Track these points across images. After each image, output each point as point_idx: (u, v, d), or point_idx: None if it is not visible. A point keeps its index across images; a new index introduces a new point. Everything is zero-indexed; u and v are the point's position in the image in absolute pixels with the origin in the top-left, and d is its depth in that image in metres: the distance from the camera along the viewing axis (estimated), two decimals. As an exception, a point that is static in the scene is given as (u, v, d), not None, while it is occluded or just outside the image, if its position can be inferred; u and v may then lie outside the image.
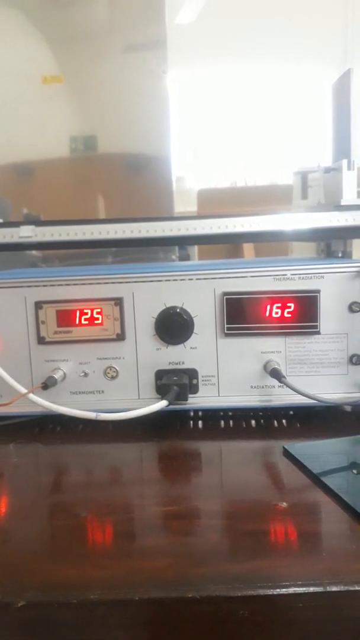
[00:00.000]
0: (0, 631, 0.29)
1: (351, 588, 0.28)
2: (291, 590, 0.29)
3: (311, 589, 0.29)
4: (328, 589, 0.29)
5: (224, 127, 3.70)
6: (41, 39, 1.64)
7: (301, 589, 0.29)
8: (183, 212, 1.86)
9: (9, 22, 1.66)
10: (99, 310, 0.54)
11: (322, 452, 0.46)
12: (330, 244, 0.75)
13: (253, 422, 0.55)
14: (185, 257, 1.46)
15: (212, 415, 0.56)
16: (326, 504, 0.38)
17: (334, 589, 0.29)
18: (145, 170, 1.63)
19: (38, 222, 0.65)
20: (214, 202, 1.75)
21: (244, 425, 0.54)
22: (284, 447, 0.47)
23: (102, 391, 0.55)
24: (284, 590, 0.29)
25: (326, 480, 0.40)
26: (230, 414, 0.57)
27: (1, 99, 1.59)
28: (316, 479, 0.41)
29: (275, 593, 0.29)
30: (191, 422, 0.55)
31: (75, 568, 0.32)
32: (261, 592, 0.29)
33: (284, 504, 0.38)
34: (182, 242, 0.97)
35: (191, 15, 2.59)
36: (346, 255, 0.72)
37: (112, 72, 1.60)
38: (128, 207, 1.64)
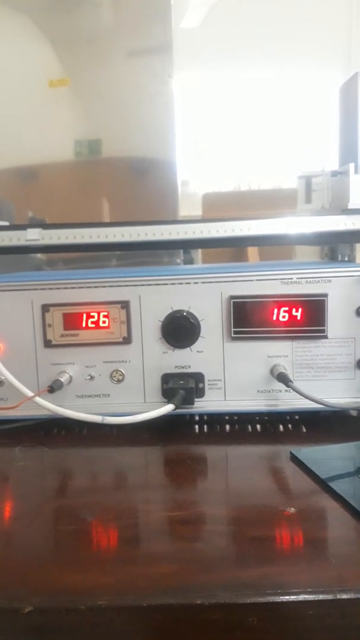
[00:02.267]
0: (8, 637, 0.28)
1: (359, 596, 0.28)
2: (301, 597, 0.28)
3: (321, 597, 0.29)
4: (338, 596, 0.29)
5: (229, 131, 3.70)
6: (47, 42, 1.65)
7: (311, 596, 0.28)
8: (188, 216, 1.87)
9: (16, 26, 1.67)
10: (105, 313, 0.54)
11: (329, 457, 0.46)
12: (335, 248, 0.75)
13: (259, 426, 0.54)
14: (189, 261, 1.45)
15: (218, 420, 0.56)
16: (334, 510, 0.37)
17: (344, 596, 0.28)
18: (150, 174, 1.63)
19: (45, 225, 0.65)
20: (219, 206, 1.75)
21: (251, 430, 0.54)
22: (290, 452, 0.46)
23: (108, 395, 0.55)
24: (293, 598, 0.28)
25: (334, 485, 0.40)
26: (236, 418, 0.56)
27: (7, 101, 1.59)
28: (324, 484, 0.41)
29: (284, 600, 0.28)
30: (197, 426, 0.55)
31: (81, 573, 0.31)
32: (270, 599, 0.28)
33: (292, 510, 0.37)
34: (187, 246, 0.97)
35: (196, 19, 2.59)
36: (351, 260, 0.72)
37: (117, 75, 1.60)
38: (133, 210, 1.64)
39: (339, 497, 0.38)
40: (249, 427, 0.54)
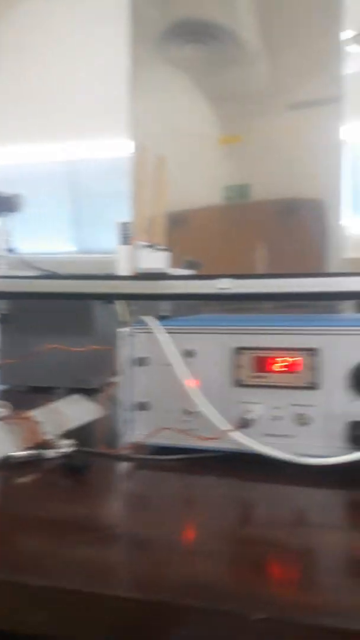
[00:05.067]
0: None
1: None
2: None
3: None
4: None
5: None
6: (207, 100, 1.76)
7: None
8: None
9: (174, 83, 1.81)
10: (295, 359, 0.58)
11: None
12: None
13: None
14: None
15: None
16: None
17: None
18: (302, 217, 1.65)
19: (235, 276, 0.71)
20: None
21: None
22: None
23: (293, 436, 0.58)
24: None
25: None
26: None
27: (178, 159, 1.74)
28: None
29: None
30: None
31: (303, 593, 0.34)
32: None
33: None
34: None
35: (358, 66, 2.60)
36: None
37: (279, 129, 1.66)
38: (284, 253, 1.66)
39: None
40: None
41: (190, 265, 1.88)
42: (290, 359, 0.58)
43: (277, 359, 0.59)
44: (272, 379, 0.59)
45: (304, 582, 0.37)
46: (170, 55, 1.79)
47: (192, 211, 1.72)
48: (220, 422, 0.57)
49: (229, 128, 1.72)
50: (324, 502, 0.52)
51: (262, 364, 0.59)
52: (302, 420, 0.58)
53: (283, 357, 0.58)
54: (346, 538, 0.44)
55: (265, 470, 0.57)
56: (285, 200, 1.67)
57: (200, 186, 1.73)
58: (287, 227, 1.68)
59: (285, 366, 0.58)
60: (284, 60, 1.68)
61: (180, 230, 1.78)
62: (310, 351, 0.57)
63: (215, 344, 0.61)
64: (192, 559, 0.40)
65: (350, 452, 0.53)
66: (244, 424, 0.58)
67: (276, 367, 0.59)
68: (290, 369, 0.58)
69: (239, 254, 1.74)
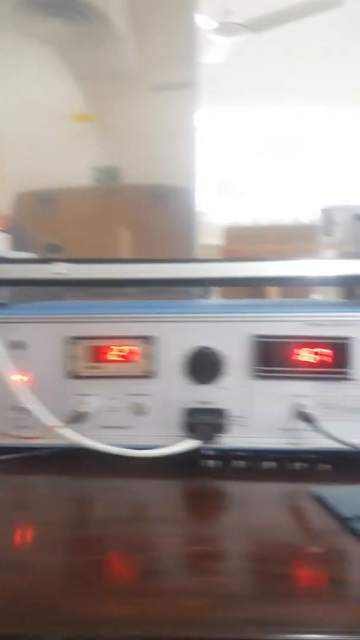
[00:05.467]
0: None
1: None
2: (326, 636, 0.29)
3: (343, 637, 0.29)
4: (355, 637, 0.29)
5: (249, 165, 3.77)
6: (71, 76, 1.69)
7: (335, 636, 0.29)
8: (206, 245, 1.88)
9: (41, 59, 1.72)
10: (130, 347, 0.55)
11: (352, 496, 0.46)
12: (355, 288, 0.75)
13: (283, 464, 0.55)
14: (209, 292, 1.47)
15: (240, 456, 0.56)
16: (357, 552, 0.37)
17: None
18: (168, 204, 1.66)
19: (72, 260, 0.66)
20: (240, 239, 1.77)
21: (273, 468, 0.54)
22: (313, 491, 0.47)
23: (130, 427, 0.56)
24: (318, 636, 0.29)
25: (358, 525, 0.40)
26: (259, 455, 0.57)
27: (29, 131, 1.64)
28: (346, 524, 0.41)
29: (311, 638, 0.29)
30: (218, 462, 0.55)
31: (107, 604, 0.32)
32: (294, 637, 0.29)
33: (315, 549, 0.38)
34: (209, 284, 0.99)
35: (220, 56, 2.67)
36: None
37: (140, 110, 1.65)
38: (151, 238, 1.67)
39: (361, 543, 0.39)
40: (272, 464, 0.54)
41: (50, 248, 1.80)
42: (126, 348, 0.55)
43: (113, 348, 0.56)
44: (107, 369, 0.56)
45: (130, 590, 0.34)
46: (30, 28, 1.69)
47: (61, 191, 1.66)
48: (47, 418, 0.53)
49: (94, 107, 1.67)
50: (159, 495, 0.50)
51: (97, 354, 0.56)
52: (139, 411, 0.56)
53: (118, 346, 0.55)
54: (182, 533, 0.42)
55: (101, 465, 0.54)
56: (154, 185, 1.66)
57: (70, 166, 1.67)
58: (155, 212, 1.68)
59: (121, 355, 0.55)
60: (149, 44, 1.66)
61: (50, 210, 1.70)
62: (146, 339, 0.55)
63: (48, 334, 0.56)
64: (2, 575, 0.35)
65: (185, 441, 0.52)
66: (76, 418, 0.54)
67: (111, 356, 0.56)
68: (126, 358, 0.55)
69: (106, 237, 1.71)
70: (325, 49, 3.46)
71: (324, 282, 0.67)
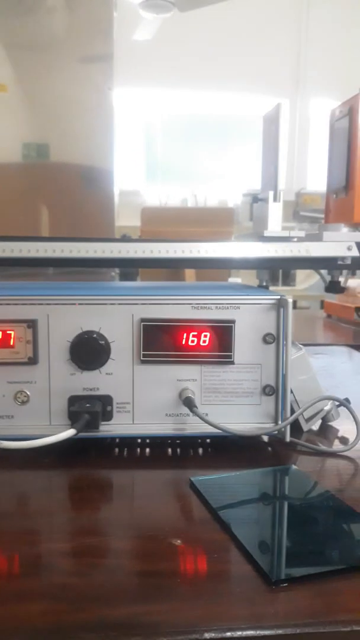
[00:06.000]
0: None
1: (224, 635, 0.28)
2: (164, 639, 0.28)
3: (187, 637, 0.28)
4: (205, 635, 0.28)
5: (179, 147, 3.75)
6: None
7: (176, 637, 0.28)
8: (127, 227, 1.86)
9: None
10: (10, 332, 0.52)
11: (228, 484, 0.46)
12: (274, 271, 0.76)
13: (169, 450, 0.54)
14: (126, 274, 1.45)
15: (128, 443, 0.55)
16: (220, 542, 0.37)
17: (208, 635, 0.28)
18: (92, 183, 1.62)
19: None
20: (157, 220, 1.75)
21: (159, 454, 0.53)
22: (190, 479, 0.46)
23: (12, 416, 0.53)
24: (157, 639, 0.28)
25: (224, 515, 0.40)
26: (147, 441, 0.56)
27: None
28: (216, 514, 0.40)
29: (147, 642, 0.28)
30: (106, 449, 0.54)
31: None
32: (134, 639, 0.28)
33: (178, 542, 0.37)
34: (125, 265, 0.97)
35: (148, 33, 2.61)
36: (288, 284, 0.73)
37: (62, 83, 1.59)
38: (74, 217, 1.63)
39: (226, 528, 0.38)
40: (158, 451, 0.54)
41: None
42: (6, 332, 0.52)
43: (-7, 333, 0.52)
44: (-13, 355, 0.53)
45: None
46: None
47: None
48: None
49: (19, 77, 1.59)
50: (41, 487, 0.48)
51: (-25, 339, 0.52)
52: (21, 399, 0.53)
53: (-1, 330, 0.52)
54: (45, 530, 0.40)
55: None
56: (83, 165, 1.62)
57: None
58: (80, 192, 1.63)
59: (1, 340, 0.52)
60: (77, 15, 1.60)
61: None
62: (27, 322, 0.52)
63: None
64: None
65: (65, 430, 0.50)
66: None
67: (-9, 341, 0.52)
68: (7, 343, 0.53)
69: (32, 214, 1.66)
70: (255, 33, 3.47)
71: (243, 264, 0.67)
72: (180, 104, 3.67)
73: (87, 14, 1.58)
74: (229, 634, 0.28)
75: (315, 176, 3.71)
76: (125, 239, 0.85)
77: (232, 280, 1.55)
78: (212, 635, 0.28)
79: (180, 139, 3.73)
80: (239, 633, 0.28)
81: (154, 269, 1.44)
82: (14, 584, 0.33)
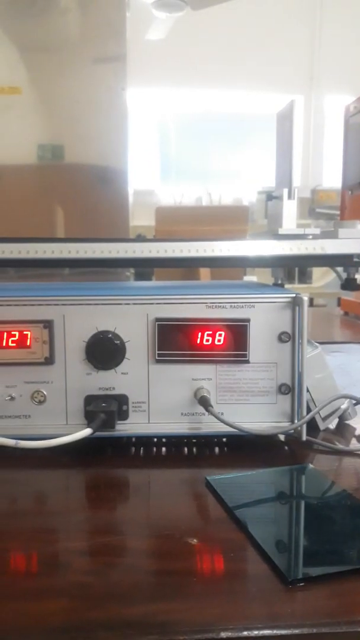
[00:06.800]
0: None
1: (241, 634, 0.28)
2: (180, 638, 0.28)
3: (204, 636, 0.28)
4: (221, 635, 0.28)
5: (193, 145, 3.74)
6: (10, 47, 1.62)
7: (192, 636, 0.28)
8: (142, 226, 1.86)
9: None
10: (27, 332, 0.53)
11: (244, 483, 0.46)
12: (290, 269, 0.76)
13: (185, 449, 0.54)
14: (141, 273, 1.45)
15: (144, 442, 0.56)
16: (237, 541, 0.37)
17: (225, 635, 0.28)
18: (106, 183, 1.63)
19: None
20: (172, 219, 1.75)
21: (174, 453, 0.53)
22: (206, 478, 0.46)
23: (29, 416, 0.54)
24: (174, 637, 0.28)
25: (240, 514, 0.40)
26: (163, 440, 0.56)
27: None
28: (232, 513, 0.40)
29: (164, 640, 0.28)
30: (122, 448, 0.54)
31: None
32: (150, 638, 0.28)
33: (194, 541, 0.37)
34: (135, 265, 0.98)
35: (161, 32, 2.61)
36: (305, 282, 0.73)
37: (76, 84, 1.60)
38: (89, 217, 1.64)
39: (243, 527, 0.38)
40: (174, 450, 0.54)
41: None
42: (23, 333, 0.53)
43: (9, 333, 0.53)
44: (3, 355, 0.53)
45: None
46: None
47: (5, 167, 1.63)
48: None
49: (33, 79, 1.60)
50: (59, 486, 0.48)
51: (-8, 340, 0.53)
52: (38, 399, 0.54)
53: (15, 330, 0.53)
54: (63, 528, 0.41)
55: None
56: (97, 166, 1.63)
57: (14, 141, 1.62)
58: (97, 192, 1.64)
59: (18, 341, 0.53)
60: (90, 16, 1.61)
61: None
62: (44, 323, 0.53)
63: None
64: None
65: (81, 430, 0.50)
66: (-26, 407, 0.51)
67: (7, 342, 0.53)
68: (23, 343, 0.53)
69: (48, 215, 1.68)
70: (269, 32, 3.45)
71: (258, 263, 0.67)
72: (194, 102, 3.66)
73: (100, 14, 1.59)
74: (245, 633, 0.28)
75: (331, 172, 3.68)
76: (140, 238, 0.86)
77: (247, 278, 1.54)
78: (229, 634, 0.28)
79: (193, 138, 3.72)
80: (255, 632, 0.28)
81: (169, 268, 1.45)
82: (32, 582, 0.33)
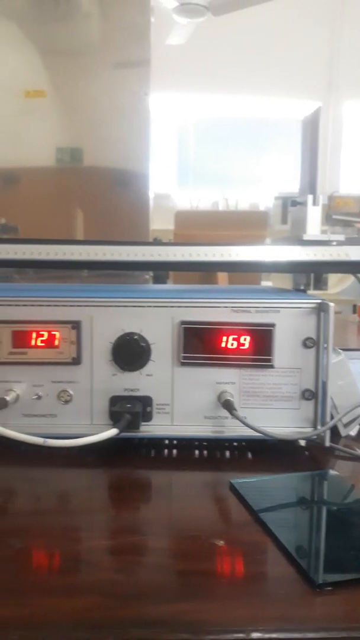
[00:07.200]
0: None
1: (271, 636, 0.28)
2: (210, 637, 0.28)
3: (234, 636, 0.29)
4: (252, 635, 0.29)
5: (211, 150, 3.75)
6: (35, 52, 1.65)
7: (222, 636, 0.28)
8: (161, 230, 1.87)
9: (6, 35, 1.66)
10: (55, 332, 0.54)
11: (268, 487, 0.46)
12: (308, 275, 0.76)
13: (206, 452, 0.54)
14: (159, 276, 1.46)
15: (167, 444, 0.56)
16: (262, 544, 0.37)
17: (255, 635, 0.28)
18: (126, 187, 1.64)
19: (15, 241, 0.64)
20: (191, 223, 1.76)
21: (197, 456, 0.54)
22: (230, 482, 0.47)
23: (55, 415, 0.55)
24: (204, 637, 0.28)
25: (265, 517, 0.40)
26: (185, 443, 0.56)
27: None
28: (257, 516, 0.41)
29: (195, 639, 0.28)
30: (144, 449, 0.55)
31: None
32: (181, 636, 0.28)
33: (220, 542, 0.37)
34: (158, 268, 0.98)
35: (182, 37, 2.63)
36: (320, 288, 0.73)
37: (98, 88, 1.61)
38: (108, 220, 1.65)
39: (268, 531, 0.39)
40: (196, 452, 0.54)
41: (4, 228, 1.75)
42: (52, 333, 0.54)
43: (38, 333, 0.54)
44: (32, 354, 0.54)
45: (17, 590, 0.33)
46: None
47: (24, 170, 1.64)
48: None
49: (54, 83, 1.62)
50: (84, 485, 0.49)
51: (21, 339, 0.54)
52: (64, 398, 0.54)
53: (44, 330, 0.54)
54: (87, 527, 0.41)
55: (25, 454, 0.53)
56: (116, 169, 1.64)
57: (34, 144, 1.64)
58: (116, 195, 1.65)
59: (46, 340, 0.54)
60: (113, 21, 1.63)
61: (13, 189, 1.66)
62: (72, 324, 0.54)
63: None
64: None
65: (107, 430, 0.51)
66: (1, 405, 0.52)
67: (36, 341, 0.54)
68: (52, 343, 0.54)
69: (67, 218, 1.69)
70: (288, 39, 3.46)
71: (280, 268, 0.67)
72: (212, 107, 3.68)
73: (124, 19, 1.60)
74: (275, 635, 0.28)
75: (348, 179, 3.67)
76: (159, 242, 0.86)
77: (263, 284, 1.54)
78: (259, 635, 0.29)
79: (212, 142, 3.73)
80: (285, 635, 0.29)
81: (189, 274, 1.45)
82: (64, 578, 0.34)
